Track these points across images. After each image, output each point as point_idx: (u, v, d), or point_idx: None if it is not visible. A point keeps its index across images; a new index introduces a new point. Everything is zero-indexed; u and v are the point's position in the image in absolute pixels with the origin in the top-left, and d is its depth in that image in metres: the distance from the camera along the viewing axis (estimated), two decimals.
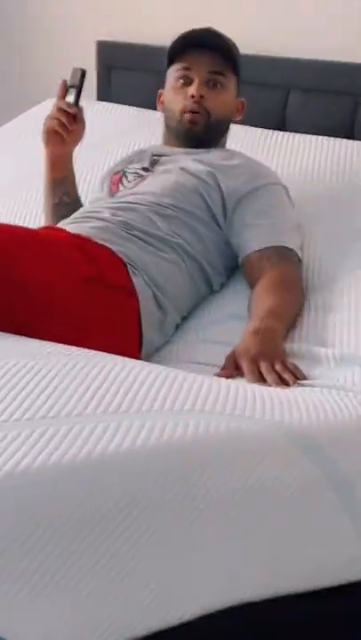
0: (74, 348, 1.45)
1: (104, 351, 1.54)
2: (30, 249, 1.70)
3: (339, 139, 2.30)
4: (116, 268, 1.77)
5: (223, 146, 2.13)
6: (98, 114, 2.52)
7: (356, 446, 1.33)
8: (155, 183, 1.99)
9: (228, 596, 1.19)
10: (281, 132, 2.39)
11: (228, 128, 2.11)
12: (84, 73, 2.00)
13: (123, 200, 1.97)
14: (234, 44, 2.06)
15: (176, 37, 2.05)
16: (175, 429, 1.17)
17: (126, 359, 1.44)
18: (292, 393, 1.42)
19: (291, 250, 1.89)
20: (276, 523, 1.22)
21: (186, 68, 2.01)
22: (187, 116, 2.01)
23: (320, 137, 2.31)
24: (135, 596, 1.10)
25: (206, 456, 1.18)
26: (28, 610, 1.04)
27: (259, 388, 1.41)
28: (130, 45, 2.77)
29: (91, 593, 1.06)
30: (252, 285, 1.86)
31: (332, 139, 2.30)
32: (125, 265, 1.79)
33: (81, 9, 2.97)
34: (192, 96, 1.99)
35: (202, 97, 1.99)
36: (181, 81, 2.02)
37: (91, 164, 2.38)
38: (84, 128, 2.06)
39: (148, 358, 1.76)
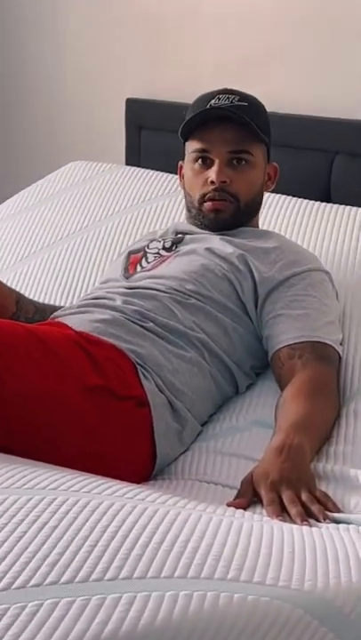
0: (73, 479, 1.28)
1: (110, 469, 1.41)
2: (29, 352, 1.51)
3: None
4: (124, 374, 1.58)
5: (256, 224, 1.93)
6: (125, 178, 2.45)
7: None
8: (177, 266, 1.79)
9: None
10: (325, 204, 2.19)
11: (260, 205, 1.91)
12: None
13: (139, 285, 1.77)
14: (258, 105, 1.84)
15: (190, 108, 1.84)
16: (174, 605, 1.00)
17: (129, 493, 1.28)
18: (319, 536, 1.24)
19: (328, 345, 1.67)
20: None
21: (203, 150, 1.80)
22: (208, 204, 1.81)
23: None
24: None
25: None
26: None
27: (275, 532, 1.22)
28: (160, 103, 2.65)
29: None
30: (281, 387, 1.66)
31: None
32: (135, 367, 1.60)
33: (112, 66, 2.89)
34: (212, 182, 1.78)
35: (224, 182, 1.78)
36: (200, 162, 1.82)
37: (114, 232, 2.27)
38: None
39: (160, 469, 1.59)
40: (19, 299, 1.91)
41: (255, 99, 1.84)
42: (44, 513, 1.14)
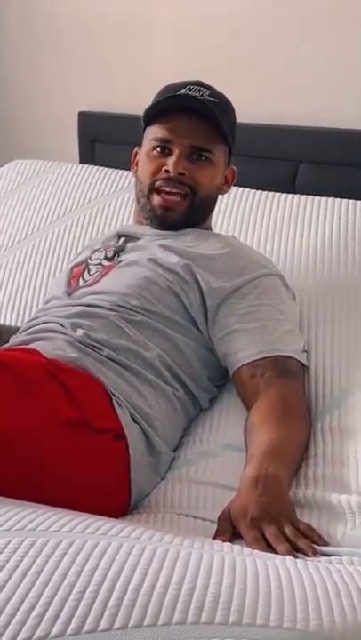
0: (52, 517, 1.20)
1: (88, 504, 1.33)
2: (3, 384, 1.42)
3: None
4: (99, 404, 1.51)
5: (207, 227, 1.84)
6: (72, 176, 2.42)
7: None
8: (120, 279, 1.70)
9: None
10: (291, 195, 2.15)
11: (213, 206, 1.83)
12: None
13: (82, 302, 1.69)
14: (228, 105, 1.78)
15: (157, 94, 1.78)
16: None
17: (113, 529, 1.20)
18: (316, 571, 1.16)
19: (290, 358, 1.60)
20: None
21: (164, 140, 1.73)
22: (156, 198, 1.73)
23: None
24: None
25: None
26: None
27: (270, 568, 1.14)
28: (114, 116, 2.61)
29: None
30: (247, 406, 1.59)
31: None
32: (110, 397, 1.53)
33: (63, 80, 2.84)
34: (167, 171, 1.71)
35: (182, 175, 1.71)
36: (158, 150, 1.74)
37: (63, 236, 2.23)
38: None
39: (136, 503, 1.53)
40: None
41: (226, 98, 1.78)
42: (25, 557, 1.05)
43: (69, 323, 1.63)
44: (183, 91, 1.73)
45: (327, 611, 1.07)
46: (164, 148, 1.73)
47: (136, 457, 1.51)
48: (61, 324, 1.64)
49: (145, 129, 1.79)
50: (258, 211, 2.10)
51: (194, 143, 1.71)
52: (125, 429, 1.51)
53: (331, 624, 1.05)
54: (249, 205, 2.12)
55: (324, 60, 2.29)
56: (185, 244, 1.73)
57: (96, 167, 2.46)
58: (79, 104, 2.72)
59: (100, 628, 0.95)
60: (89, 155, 2.62)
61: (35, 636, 0.93)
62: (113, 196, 2.30)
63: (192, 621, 0.99)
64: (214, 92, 1.75)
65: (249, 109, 2.20)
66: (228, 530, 1.33)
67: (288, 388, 1.57)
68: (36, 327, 1.69)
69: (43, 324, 1.69)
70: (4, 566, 1.03)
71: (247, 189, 2.16)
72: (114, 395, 1.53)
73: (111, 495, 1.48)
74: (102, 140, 2.57)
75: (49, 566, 1.04)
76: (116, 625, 0.96)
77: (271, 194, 2.15)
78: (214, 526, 1.39)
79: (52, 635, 0.93)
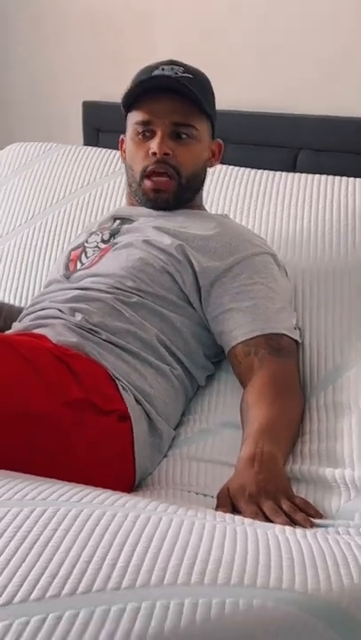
0: (61, 489, 1.25)
1: (92, 484, 1.35)
2: (10, 367, 1.46)
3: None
4: (105, 387, 1.56)
5: (199, 204, 1.87)
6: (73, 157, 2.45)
7: None
8: (115, 261, 1.74)
9: None
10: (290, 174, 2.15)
11: (203, 182, 1.85)
12: None
13: (80, 285, 1.72)
14: (204, 78, 1.80)
15: (132, 79, 1.79)
16: (180, 613, 0.98)
17: (120, 501, 1.25)
18: (314, 540, 1.22)
19: (282, 335, 1.64)
20: None
21: (145, 122, 1.75)
22: (148, 183, 1.76)
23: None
24: None
25: None
26: None
27: (270, 536, 1.20)
28: (117, 106, 2.61)
29: None
30: (242, 384, 1.64)
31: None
32: (114, 381, 1.57)
33: (68, 70, 2.88)
34: (154, 154, 1.73)
35: (167, 154, 1.73)
36: (142, 134, 1.77)
37: (66, 218, 2.26)
38: None
39: (139, 481, 1.58)
40: None
41: (200, 71, 1.80)
42: (36, 525, 1.11)
43: (68, 308, 1.67)
44: (157, 72, 1.75)
45: (324, 575, 1.13)
46: (147, 131, 1.75)
47: (140, 437, 1.56)
48: (60, 310, 1.67)
49: (126, 115, 1.81)
50: (254, 189, 2.10)
51: (174, 120, 1.72)
52: (130, 411, 1.55)
53: (328, 587, 1.11)
54: (244, 184, 2.12)
55: (325, 49, 2.32)
56: (177, 225, 1.76)
57: (95, 149, 2.48)
58: (84, 94, 2.74)
59: (108, 587, 1.01)
60: (93, 144, 2.62)
61: (47, 594, 0.98)
62: (112, 177, 2.32)
63: (196, 582, 1.05)
64: (188, 69, 1.76)
65: (249, 97, 2.26)
66: (228, 505, 1.38)
67: (281, 365, 1.61)
68: (37, 313, 1.73)
69: (42, 310, 1.73)
70: (16, 533, 1.09)
71: (244, 168, 2.16)
72: (117, 379, 1.58)
73: (116, 473, 1.52)
74: (106, 129, 2.57)
75: (59, 533, 1.10)
76: (124, 585, 1.02)
77: (270, 172, 2.14)
78: (215, 501, 1.43)
79: (63, 593, 0.99)
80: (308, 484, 1.45)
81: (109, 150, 2.40)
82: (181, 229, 1.75)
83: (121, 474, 1.54)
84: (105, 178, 2.34)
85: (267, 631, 1.03)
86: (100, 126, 2.63)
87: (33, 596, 0.98)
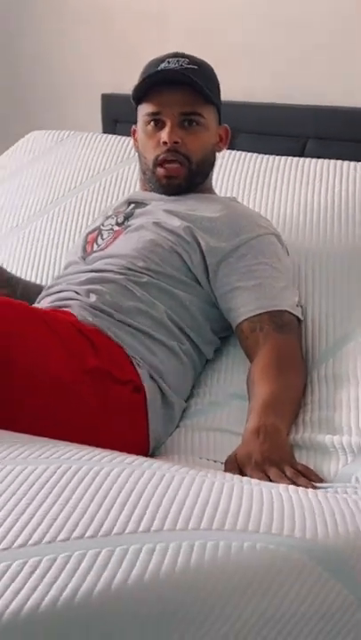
0: (75, 449, 1.38)
1: (111, 446, 1.48)
2: (36, 333, 1.60)
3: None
4: (121, 360, 1.68)
5: (209, 188, 1.98)
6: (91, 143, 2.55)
7: None
8: (127, 243, 1.85)
9: None
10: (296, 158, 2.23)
11: (212, 166, 1.96)
12: None
13: (94, 268, 1.84)
14: (208, 68, 1.91)
15: (141, 73, 1.91)
16: (190, 555, 1.10)
17: (136, 462, 1.38)
18: (315, 497, 1.34)
19: (285, 312, 1.75)
20: None
21: (155, 113, 1.87)
22: (160, 170, 1.87)
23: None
24: None
25: (222, 586, 1.11)
26: None
27: (274, 493, 1.33)
28: None
29: None
30: (249, 357, 1.75)
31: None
32: (129, 357, 1.69)
33: (87, 64, 2.97)
34: (165, 143, 1.84)
35: (176, 143, 1.84)
36: (152, 124, 1.88)
37: (86, 201, 2.36)
38: None
39: (155, 449, 1.71)
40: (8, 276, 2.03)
41: (205, 62, 1.91)
42: (50, 479, 1.23)
43: (83, 290, 1.78)
44: (163, 65, 1.86)
45: (323, 525, 1.24)
46: (157, 121, 1.86)
47: (153, 409, 1.67)
48: (76, 292, 1.79)
49: (136, 107, 1.93)
50: (261, 173, 2.19)
51: (182, 110, 1.83)
52: (144, 383, 1.67)
53: (325, 535, 1.22)
54: (252, 168, 2.21)
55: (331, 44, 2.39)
56: (187, 208, 1.87)
57: (111, 136, 2.57)
58: (103, 87, 2.84)
59: (127, 531, 1.12)
60: (111, 133, 2.68)
61: (72, 536, 1.10)
62: (127, 162, 2.40)
63: (205, 527, 1.17)
64: (193, 60, 1.88)
65: (257, 88, 2.35)
66: (236, 470, 1.50)
67: (284, 341, 1.72)
68: (55, 295, 1.84)
69: (60, 292, 1.84)
70: (32, 485, 1.21)
71: (252, 154, 2.25)
72: (133, 357, 1.70)
73: (130, 442, 1.62)
74: (123, 120, 2.62)
75: (72, 484, 1.22)
76: (141, 529, 1.13)
77: (277, 157, 2.22)
78: (223, 467, 1.55)
79: (73, 536, 1.10)
80: (308, 451, 1.56)
81: (124, 137, 2.48)
82: (190, 212, 1.85)
83: (135, 442, 1.64)
84: (120, 164, 2.43)
85: (269, 571, 1.14)
86: (118, 117, 2.71)
87: (45, 540, 1.09)
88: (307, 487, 1.42)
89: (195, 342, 1.81)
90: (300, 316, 1.80)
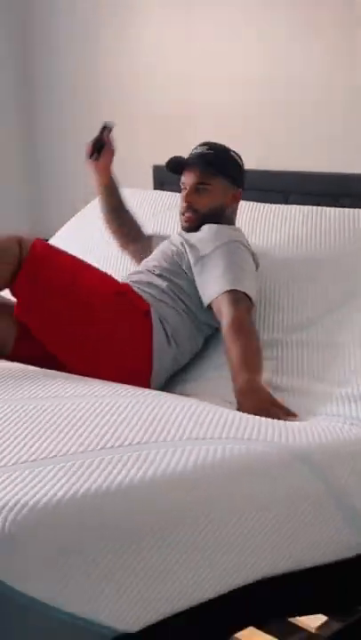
0: (105, 388, 1.88)
1: (115, 367, 2.21)
2: (88, 271, 2.43)
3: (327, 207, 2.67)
4: (138, 298, 2.36)
5: (221, 222, 2.56)
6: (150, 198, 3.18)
7: (347, 460, 1.69)
8: (154, 255, 2.58)
9: (252, 573, 1.54)
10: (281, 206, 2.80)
11: (221, 213, 2.55)
12: (104, 126, 2.71)
13: (140, 268, 2.58)
14: (218, 154, 2.53)
15: (171, 160, 2.58)
16: (201, 455, 1.53)
17: (143, 394, 1.86)
18: (292, 424, 1.79)
19: (236, 290, 2.29)
20: (285, 522, 1.58)
21: (182, 183, 2.53)
22: (182, 217, 2.53)
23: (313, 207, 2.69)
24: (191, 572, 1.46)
25: (221, 477, 1.53)
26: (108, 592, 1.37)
27: (257, 418, 1.77)
28: None
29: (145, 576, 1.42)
30: (222, 328, 2.27)
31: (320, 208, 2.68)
32: (144, 299, 2.35)
33: (140, 141, 3.68)
34: (184, 202, 2.53)
35: (190, 202, 2.50)
36: (182, 189, 2.56)
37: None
38: (110, 150, 2.73)
39: (163, 385, 2.31)
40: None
41: (221, 146, 2.57)
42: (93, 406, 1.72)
43: (132, 281, 2.47)
44: (193, 150, 2.57)
45: (304, 435, 1.68)
46: (183, 188, 2.54)
47: (158, 338, 2.30)
48: (139, 275, 2.52)
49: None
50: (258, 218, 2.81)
51: (195, 181, 2.51)
52: (152, 316, 2.32)
53: (307, 443, 1.66)
54: (253, 212, 2.84)
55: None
56: (190, 235, 2.51)
57: (162, 192, 3.23)
58: (153, 159, 3.47)
59: (143, 441, 1.55)
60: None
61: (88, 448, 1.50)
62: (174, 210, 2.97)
63: (199, 437, 1.60)
64: (212, 146, 2.56)
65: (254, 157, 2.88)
66: None
67: (238, 312, 2.24)
68: (132, 275, 2.57)
69: (135, 273, 2.57)
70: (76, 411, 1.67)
71: (253, 202, 2.85)
72: (146, 300, 2.36)
73: (135, 363, 2.28)
74: (168, 183, 3.24)
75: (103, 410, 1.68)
76: (152, 439, 1.57)
77: (267, 204, 2.84)
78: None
79: (107, 446, 1.53)
80: (288, 393, 2.09)
81: (172, 193, 3.10)
82: (189, 236, 2.49)
83: (139, 365, 2.28)
84: (167, 211, 3.06)
85: (253, 465, 1.56)
86: (164, 182, 3.34)
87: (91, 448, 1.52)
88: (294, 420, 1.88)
89: (189, 307, 2.40)
90: (251, 296, 2.31)
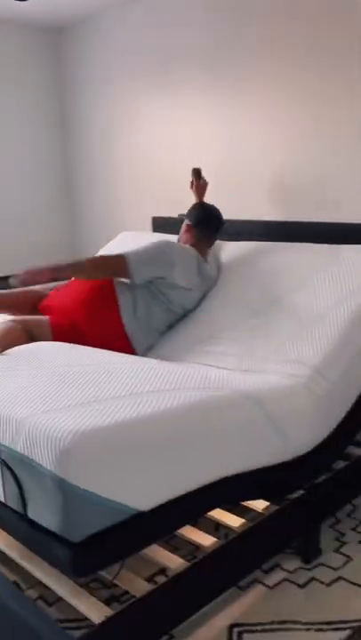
0: (112, 358, 2.31)
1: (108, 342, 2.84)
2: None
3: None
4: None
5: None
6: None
7: (279, 399, 2.18)
8: None
9: (217, 472, 2.02)
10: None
11: (202, 253, 3.15)
12: (197, 170, 3.36)
13: None
14: (207, 210, 3.21)
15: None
16: (182, 398, 1.95)
17: (147, 362, 2.31)
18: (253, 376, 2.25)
19: (122, 255, 2.90)
20: (240, 437, 2.03)
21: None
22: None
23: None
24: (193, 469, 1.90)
25: (199, 411, 1.94)
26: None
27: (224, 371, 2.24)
28: (170, 218, 3.90)
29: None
30: None
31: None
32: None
33: (141, 198, 4.24)
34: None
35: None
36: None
37: None
38: (205, 184, 3.37)
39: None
40: None
41: (207, 206, 3.24)
42: (104, 370, 2.16)
43: None
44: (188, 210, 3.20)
45: (251, 383, 2.18)
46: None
47: (126, 316, 2.98)
48: None
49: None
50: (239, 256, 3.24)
51: (187, 225, 3.23)
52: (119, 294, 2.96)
53: (253, 388, 2.14)
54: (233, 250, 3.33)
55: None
56: None
57: (166, 234, 3.62)
58: (152, 211, 4.05)
59: (107, 397, 1.94)
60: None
61: (98, 397, 1.97)
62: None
63: (171, 388, 2.02)
64: (201, 205, 3.25)
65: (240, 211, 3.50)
66: None
67: (106, 256, 2.97)
68: None
69: None
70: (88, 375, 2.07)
71: (240, 242, 3.34)
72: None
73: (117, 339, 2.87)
74: (164, 226, 3.81)
75: (108, 372, 2.12)
76: (124, 393, 1.94)
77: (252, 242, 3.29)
78: (214, 369, 2.45)
79: (128, 393, 1.98)
80: (242, 357, 2.58)
81: (173, 236, 3.48)
82: None
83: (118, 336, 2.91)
84: None
85: (219, 404, 2.01)
86: (161, 230, 3.86)
87: (122, 394, 1.97)
88: None
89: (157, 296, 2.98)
90: (128, 263, 2.92)
